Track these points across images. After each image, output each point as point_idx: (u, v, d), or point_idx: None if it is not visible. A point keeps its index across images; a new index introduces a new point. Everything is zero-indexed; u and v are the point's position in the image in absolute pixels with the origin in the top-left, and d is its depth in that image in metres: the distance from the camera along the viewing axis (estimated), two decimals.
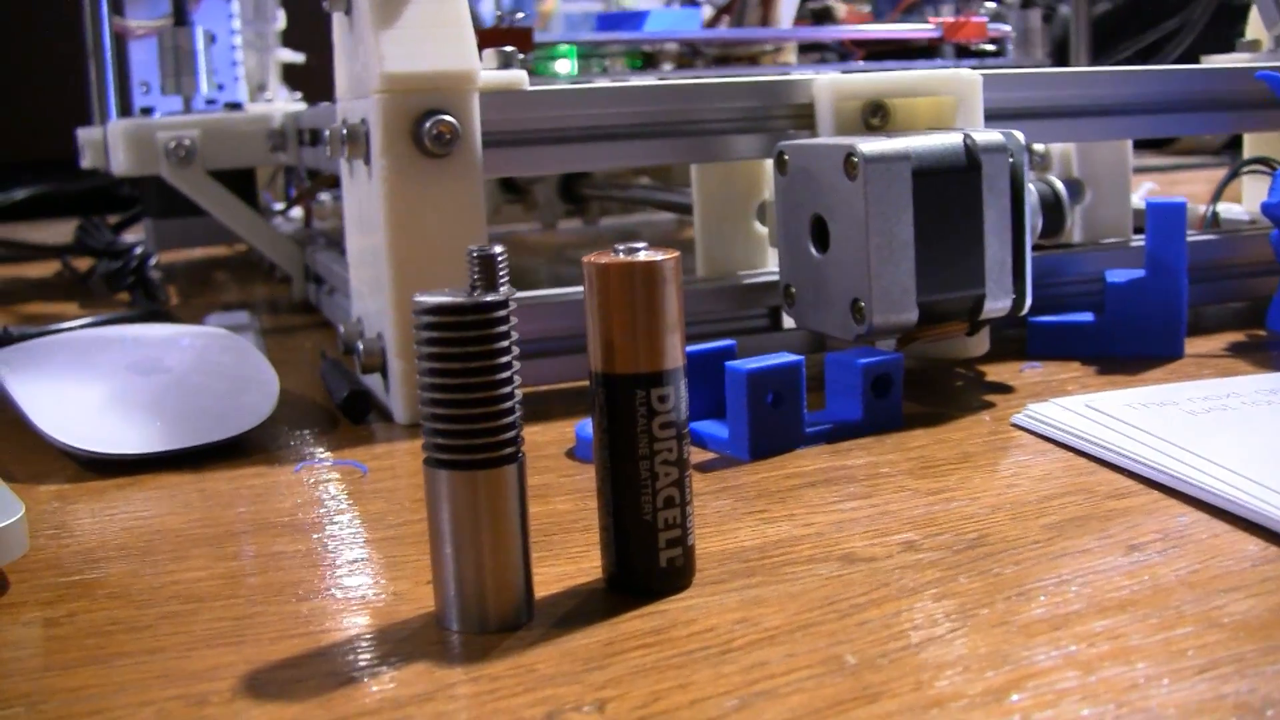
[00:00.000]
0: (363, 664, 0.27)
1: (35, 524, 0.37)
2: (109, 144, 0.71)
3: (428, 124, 0.44)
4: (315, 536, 0.35)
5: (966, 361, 0.51)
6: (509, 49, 0.48)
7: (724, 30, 0.75)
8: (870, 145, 0.43)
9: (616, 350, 0.29)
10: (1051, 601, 0.29)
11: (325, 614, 0.30)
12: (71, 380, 0.45)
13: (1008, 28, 0.77)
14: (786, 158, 0.47)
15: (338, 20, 0.50)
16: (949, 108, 0.48)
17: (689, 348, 0.43)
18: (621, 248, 0.30)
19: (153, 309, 0.70)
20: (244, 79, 0.88)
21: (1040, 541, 0.32)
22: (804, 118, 0.50)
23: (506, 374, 0.28)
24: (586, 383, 0.30)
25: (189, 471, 0.42)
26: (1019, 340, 0.52)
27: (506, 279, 0.29)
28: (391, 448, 0.44)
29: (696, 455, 0.41)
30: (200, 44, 0.73)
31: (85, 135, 0.75)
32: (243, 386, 0.46)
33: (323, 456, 0.43)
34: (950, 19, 0.75)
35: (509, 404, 0.28)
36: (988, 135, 0.44)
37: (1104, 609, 0.28)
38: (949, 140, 0.44)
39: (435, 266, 0.45)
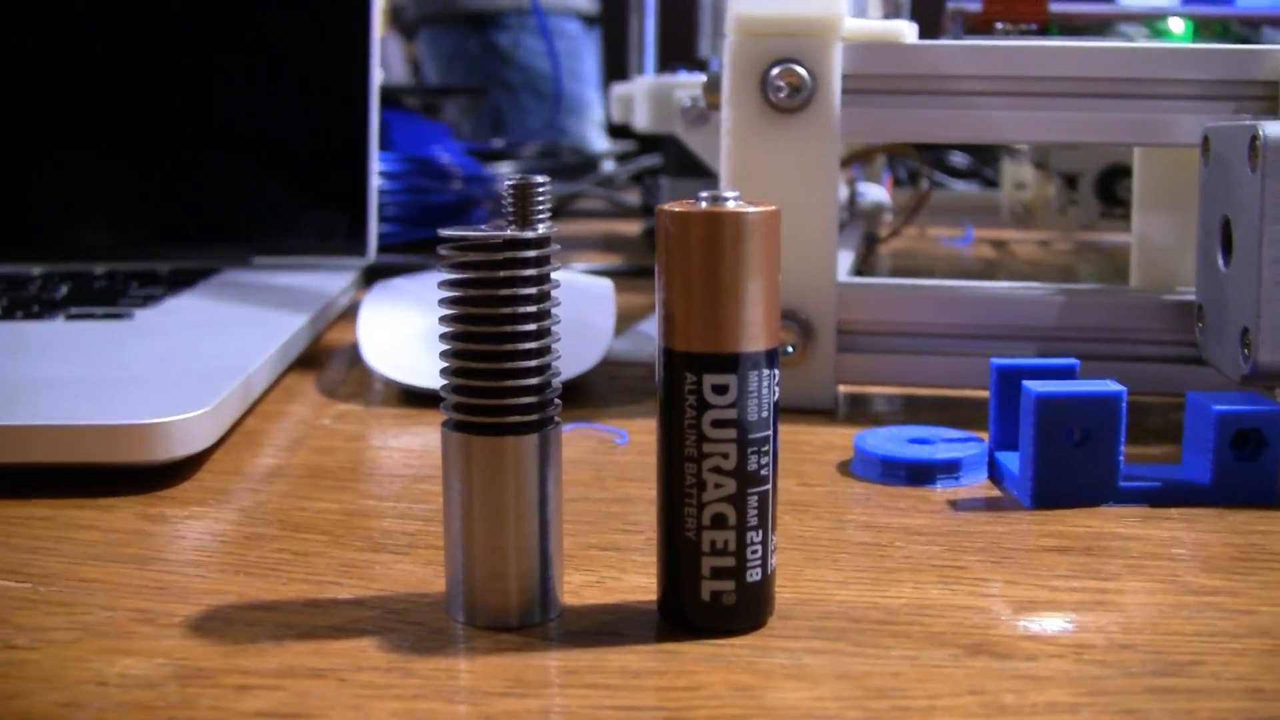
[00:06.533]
0: (318, 626, 0.24)
1: (276, 436, 0.38)
2: (635, 100, 0.72)
3: (774, 72, 0.40)
4: None
5: None
6: None
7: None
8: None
9: (675, 320, 0.24)
10: None
11: (359, 569, 0.27)
12: (407, 312, 0.45)
13: None
14: (1210, 143, 0.36)
15: None
16: None
17: (1016, 360, 0.35)
18: (707, 194, 0.24)
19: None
20: None
21: (1261, 691, 0.22)
22: (1271, 99, 0.38)
23: (532, 326, 0.24)
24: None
25: None
26: None
27: (546, 215, 0.24)
28: None
29: (983, 490, 0.33)
30: None
31: (618, 91, 0.76)
32: (570, 338, 0.44)
33: (599, 419, 0.40)
34: None
35: (534, 362, 0.24)
36: None
37: None
38: None
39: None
